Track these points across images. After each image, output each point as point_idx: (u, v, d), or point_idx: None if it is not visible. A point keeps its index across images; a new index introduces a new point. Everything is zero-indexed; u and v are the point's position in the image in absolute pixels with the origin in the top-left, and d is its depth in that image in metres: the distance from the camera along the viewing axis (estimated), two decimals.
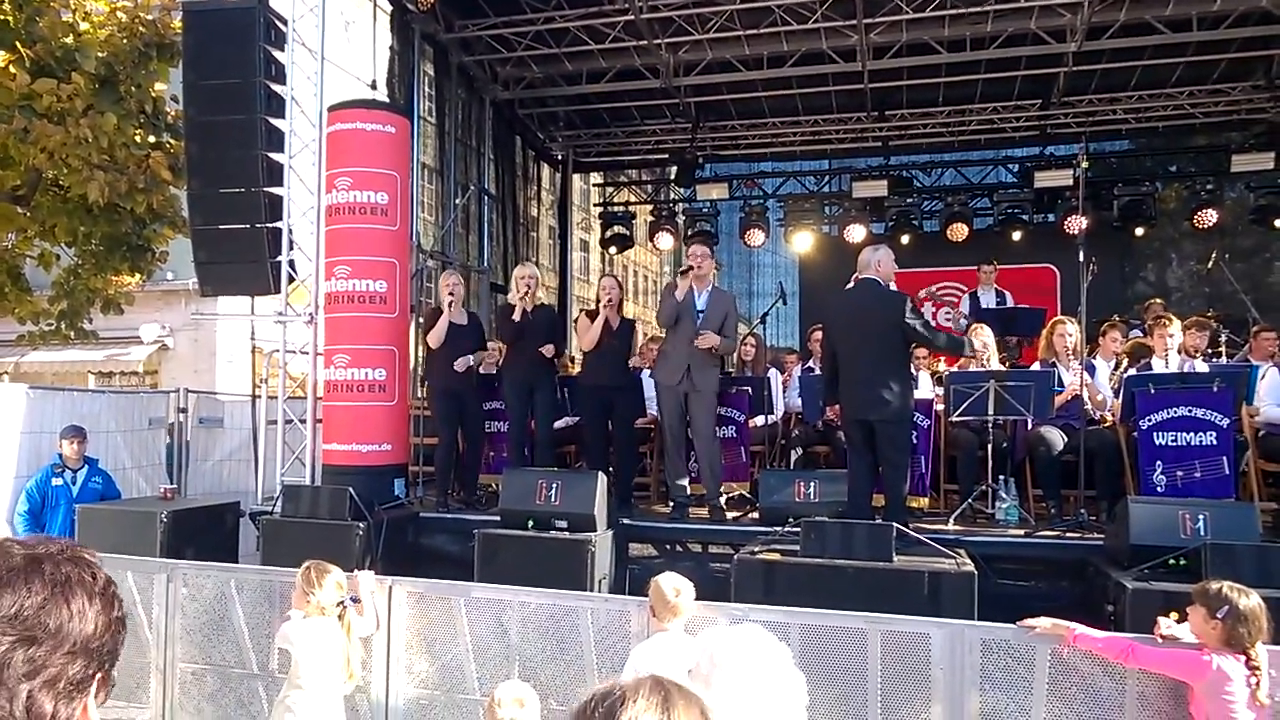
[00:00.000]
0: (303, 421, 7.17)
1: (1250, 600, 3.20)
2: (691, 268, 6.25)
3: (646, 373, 7.29)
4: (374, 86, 8.77)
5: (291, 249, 7.18)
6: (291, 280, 7.23)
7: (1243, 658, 3.16)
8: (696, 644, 3.60)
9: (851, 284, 5.85)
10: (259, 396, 7.79)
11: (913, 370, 5.99)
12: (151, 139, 9.56)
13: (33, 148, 8.32)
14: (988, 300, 9.33)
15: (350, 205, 6.63)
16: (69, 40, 8.39)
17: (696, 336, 6.15)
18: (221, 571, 4.86)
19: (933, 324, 5.97)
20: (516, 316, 6.66)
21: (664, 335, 6.59)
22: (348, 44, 8.58)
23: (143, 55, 8.91)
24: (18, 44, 8.08)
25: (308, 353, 7.17)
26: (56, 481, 6.46)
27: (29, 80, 8.01)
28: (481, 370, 7.33)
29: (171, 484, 7.20)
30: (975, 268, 9.72)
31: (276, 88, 7.10)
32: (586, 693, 1.13)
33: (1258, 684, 3.13)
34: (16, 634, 1.01)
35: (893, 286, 5.77)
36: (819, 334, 7.58)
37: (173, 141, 9.54)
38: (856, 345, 5.54)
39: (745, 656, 3.37)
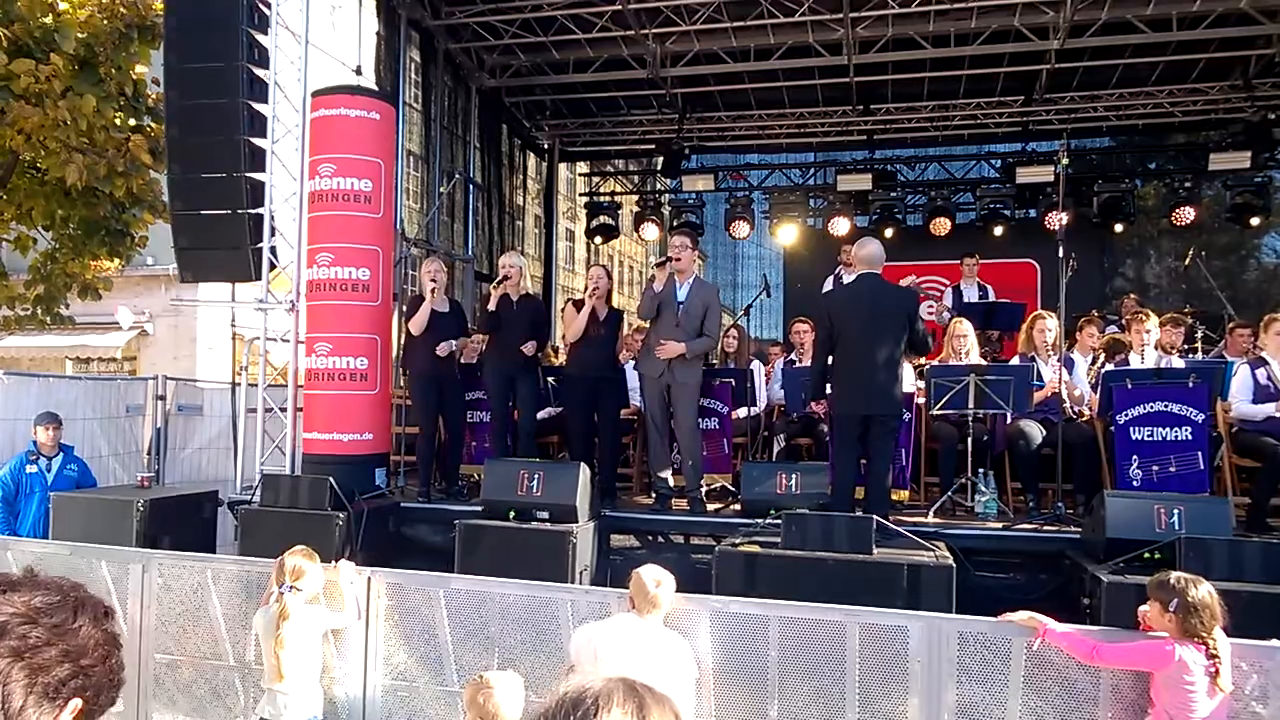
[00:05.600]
0: (283, 410, 7.13)
1: (1199, 590, 3.24)
2: (670, 258, 6.24)
3: (630, 364, 7.28)
4: (359, 72, 8.69)
5: (273, 235, 7.12)
6: (273, 267, 7.16)
7: (1203, 647, 3.21)
8: (672, 638, 3.63)
9: (840, 278, 5.84)
10: (239, 384, 7.73)
11: None
12: (132, 122, 9.47)
13: (10, 129, 8.23)
14: (970, 294, 9.34)
15: (333, 192, 6.57)
16: (48, 20, 8.28)
17: (676, 328, 6.16)
18: (198, 561, 4.81)
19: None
20: (493, 306, 6.61)
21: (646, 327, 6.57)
22: (332, 29, 8.51)
23: (123, 37, 8.81)
24: None
25: (289, 340, 7.12)
26: (31, 469, 6.39)
27: (6, 60, 7.90)
28: (463, 360, 7.30)
29: (148, 472, 7.15)
30: (958, 261, 9.77)
31: (259, 72, 7.02)
32: (551, 699, 1.07)
33: (1217, 672, 3.18)
34: (22, 614, 1.06)
35: None
36: (802, 326, 7.61)
37: (153, 125, 9.44)
38: (867, 340, 5.45)
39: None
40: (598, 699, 1.03)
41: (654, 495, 6.48)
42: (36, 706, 1.03)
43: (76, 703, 1.08)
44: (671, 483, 6.46)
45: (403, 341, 7.30)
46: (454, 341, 6.75)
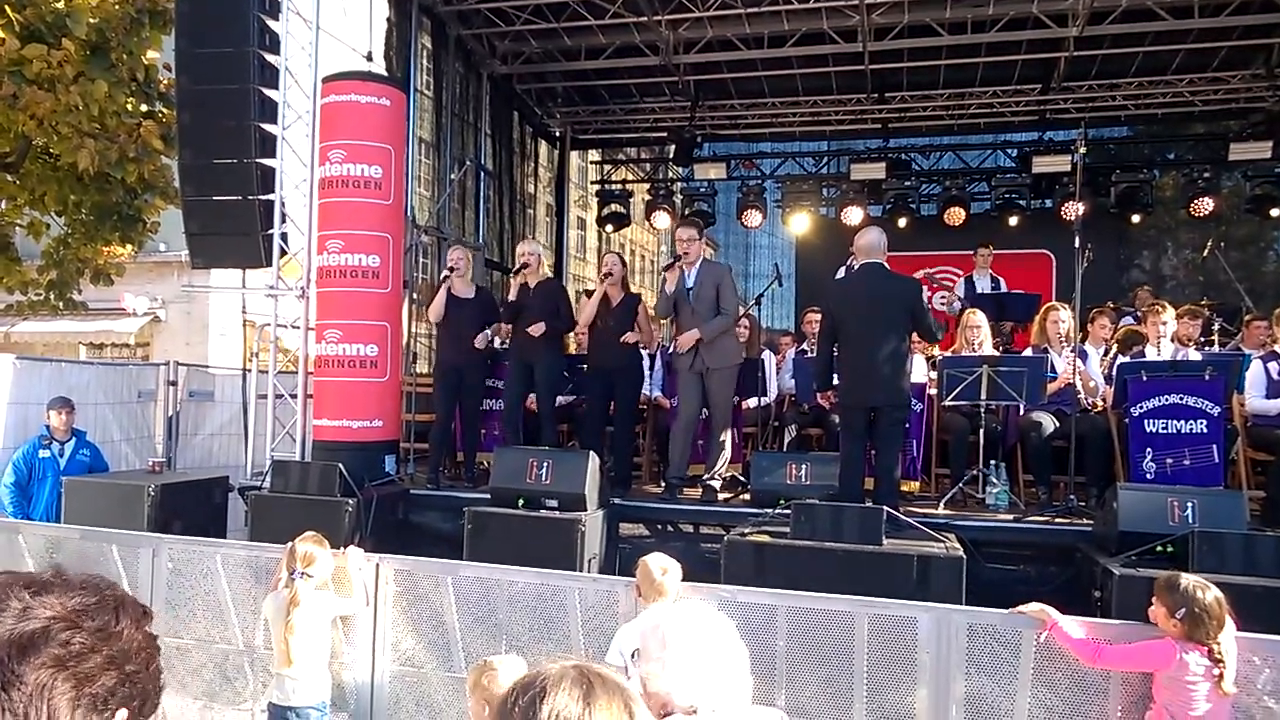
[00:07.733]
0: (294, 396, 7.14)
1: (1207, 596, 3.19)
2: (679, 256, 6.21)
3: (645, 353, 7.23)
4: (370, 58, 8.65)
5: (284, 222, 7.12)
6: (284, 253, 7.17)
7: (1206, 651, 3.17)
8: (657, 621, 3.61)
9: (853, 268, 5.81)
10: (250, 370, 7.75)
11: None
12: (143, 107, 9.48)
13: (22, 114, 8.24)
14: (983, 285, 9.26)
15: (343, 178, 6.56)
16: (60, 5, 8.27)
17: (693, 316, 6.13)
18: (208, 547, 4.82)
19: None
20: (511, 295, 6.61)
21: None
22: (343, 15, 8.47)
23: (135, 22, 8.80)
24: (7, 8, 7.97)
25: (299, 327, 7.13)
26: (44, 453, 6.42)
27: (18, 46, 7.91)
28: (496, 345, 7.23)
29: (160, 457, 7.18)
30: (972, 251, 9.68)
31: (270, 57, 7.01)
32: (510, 684, 1.11)
33: (1221, 676, 3.15)
34: (63, 618, 0.97)
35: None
36: (814, 316, 7.56)
37: (165, 110, 9.45)
38: (868, 330, 5.42)
39: (694, 632, 3.33)
40: (546, 684, 1.06)
41: (664, 484, 6.46)
42: (85, 717, 0.95)
43: (123, 713, 1.00)
44: (689, 472, 6.43)
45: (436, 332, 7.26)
46: (489, 331, 6.71)
